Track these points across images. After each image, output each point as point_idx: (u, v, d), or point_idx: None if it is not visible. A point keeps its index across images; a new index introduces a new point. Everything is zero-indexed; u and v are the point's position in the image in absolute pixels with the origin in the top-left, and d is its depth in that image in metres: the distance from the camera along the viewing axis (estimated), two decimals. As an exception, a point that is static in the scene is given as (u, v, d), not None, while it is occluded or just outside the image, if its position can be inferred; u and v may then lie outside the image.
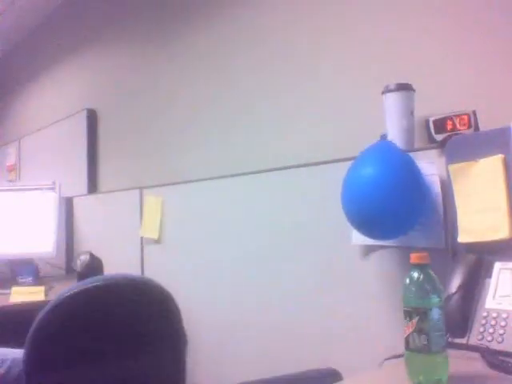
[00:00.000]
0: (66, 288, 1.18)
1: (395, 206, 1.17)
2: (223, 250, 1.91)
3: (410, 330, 0.84)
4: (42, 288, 2.21)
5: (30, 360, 1.11)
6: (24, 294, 2.15)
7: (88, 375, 1.16)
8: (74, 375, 1.15)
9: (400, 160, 1.23)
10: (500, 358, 0.90)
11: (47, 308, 1.13)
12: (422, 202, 1.22)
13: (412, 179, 1.21)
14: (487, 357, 0.91)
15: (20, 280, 2.42)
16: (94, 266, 2.06)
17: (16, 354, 1.38)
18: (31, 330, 1.11)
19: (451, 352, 0.88)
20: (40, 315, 1.12)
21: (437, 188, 1.23)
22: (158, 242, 2.24)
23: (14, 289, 2.21)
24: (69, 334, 1.15)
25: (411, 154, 1.28)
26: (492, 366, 0.89)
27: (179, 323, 1.27)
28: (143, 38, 2.88)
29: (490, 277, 1.05)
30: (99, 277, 1.26)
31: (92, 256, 2.07)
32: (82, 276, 2.02)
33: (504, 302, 1.00)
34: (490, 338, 0.97)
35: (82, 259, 2.06)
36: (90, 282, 1.18)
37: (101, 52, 3.35)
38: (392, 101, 1.35)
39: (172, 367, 1.27)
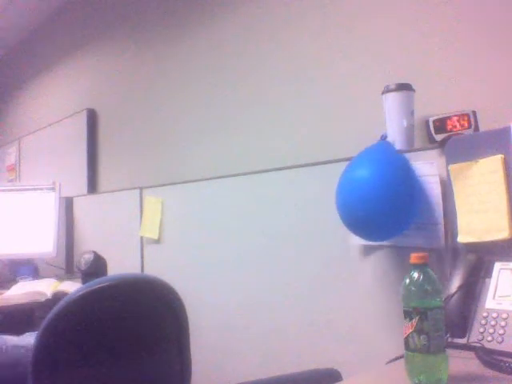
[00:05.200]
0: (79, 287, 1.17)
1: (386, 208, 1.17)
2: (223, 249, 1.91)
3: (410, 330, 0.84)
4: None
5: (38, 359, 1.11)
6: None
7: (98, 375, 1.16)
8: (84, 375, 1.15)
9: (392, 162, 1.24)
10: (495, 357, 0.90)
11: (59, 306, 1.12)
12: (415, 204, 1.23)
13: (404, 181, 1.21)
14: (482, 356, 0.91)
15: (20, 280, 2.42)
16: (99, 264, 2.06)
17: (13, 340, 1.37)
18: (41, 328, 1.10)
19: (451, 352, 0.89)
20: (51, 314, 1.11)
21: (437, 188, 1.23)
22: (157, 242, 2.24)
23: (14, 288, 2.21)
24: (80, 333, 1.14)
25: (411, 154, 1.28)
26: (487, 365, 0.89)
27: (186, 322, 1.27)
28: (143, 39, 2.88)
29: (490, 277, 1.05)
30: (111, 276, 1.25)
31: (96, 255, 2.07)
32: (87, 275, 2.01)
33: (504, 302, 1.00)
34: (489, 338, 0.97)
35: (85, 258, 2.05)
36: (102, 282, 1.16)
37: (101, 52, 3.35)
38: (392, 101, 1.35)
39: (179, 365, 1.27)
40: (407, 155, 1.29)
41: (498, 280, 1.03)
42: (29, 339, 1.34)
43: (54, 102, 3.99)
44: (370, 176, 1.20)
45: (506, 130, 1.10)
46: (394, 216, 1.19)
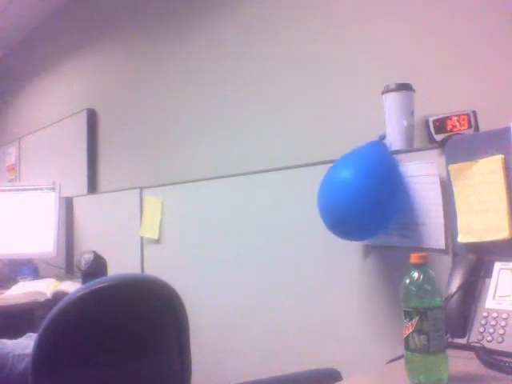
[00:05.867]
0: (79, 287, 1.17)
1: (363, 207, 1.19)
2: (223, 249, 1.91)
3: (410, 330, 0.84)
4: None
5: (38, 359, 1.11)
6: None
7: (98, 375, 1.15)
8: (84, 375, 1.15)
9: (374, 162, 1.25)
10: (495, 357, 0.90)
11: (59, 307, 1.12)
12: (395, 203, 1.24)
13: (384, 181, 1.22)
14: (482, 356, 0.91)
15: (20, 280, 2.42)
16: (99, 264, 2.06)
17: (18, 347, 1.36)
18: (41, 328, 1.10)
19: (451, 352, 0.88)
20: (51, 314, 1.11)
21: (437, 188, 1.23)
22: (157, 242, 2.24)
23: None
24: (80, 333, 1.14)
25: (411, 154, 1.28)
26: (487, 365, 0.89)
27: (186, 322, 1.27)
28: (143, 38, 2.88)
29: (490, 277, 1.05)
30: (111, 276, 1.25)
31: (96, 255, 2.07)
32: (87, 275, 2.01)
33: (504, 302, 1.00)
34: (489, 338, 0.97)
35: (85, 258, 2.05)
36: (102, 282, 1.16)
37: (101, 52, 3.35)
38: (392, 101, 1.35)
39: (179, 365, 1.27)
40: (407, 155, 1.29)
41: (498, 280, 1.03)
42: (28, 342, 1.33)
43: (54, 102, 3.99)
44: (346, 176, 1.23)
45: (506, 130, 1.10)
46: (370, 215, 1.20)
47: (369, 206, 1.18)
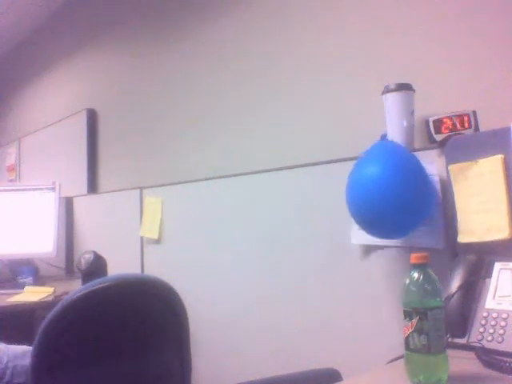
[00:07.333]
0: (80, 287, 1.17)
1: (400, 204, 1.17)
2: (223, 249, 1.91)
3: (410, 330, 0.84)
4: (51, 289, 2.23)
5: (38, 359, 1.11)
6: (38, 293, 2.16)
7: (98, 375, 1.15)
8: (84, 375, 1.15)
9: (405, 158, 1.23)
10: (495, 357, 0.90)
11: (59, 307, 1.11)
12: (428, 200, 1.22)
13: (417, 177, 1.21)
14: (482, 356, 0.91)
15: (20, 280, 2.42)
16: (99, 264, 2.06)
17: (10, 350, 1.35)
18: (41, 329, 1.10)
19: (451, 352, 0.88)
20: (50, 315, 1.11)
21: (437, 188, 1.23)
22: (158, 241, 2.24)
23: (28, 288, 2.25)
24: (80, 333, 1.14)
25: (411, 154, 1.28)
26: (487, 365, 0.89)
27: (186, 322, 1.27)
28: (143, 39, 2.88)
29: (490, 277, 1.05)
30: (111, 276, 1.25)
31: (96, 255, 2.07)
32: (87, 275, 2.02)
33: (504, 302, 1.00)
34: (490, 338, 0.97)
35: (85, 258, 2.06)
36: (102, 282, 1.16)
37: (101, 52, 3.35)
38: (392, 101, 1.35)
39: (179, 366, 1.27)
40: (407, 155, 1.29)
41: (498, 280, 1.03)
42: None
43: (54, 102, 3.99)
44: (385, 172, 1.19)
45: (506, 130, 1.10)
46: (408, 212, 1.18)
47: (401, 202, 1.16)
